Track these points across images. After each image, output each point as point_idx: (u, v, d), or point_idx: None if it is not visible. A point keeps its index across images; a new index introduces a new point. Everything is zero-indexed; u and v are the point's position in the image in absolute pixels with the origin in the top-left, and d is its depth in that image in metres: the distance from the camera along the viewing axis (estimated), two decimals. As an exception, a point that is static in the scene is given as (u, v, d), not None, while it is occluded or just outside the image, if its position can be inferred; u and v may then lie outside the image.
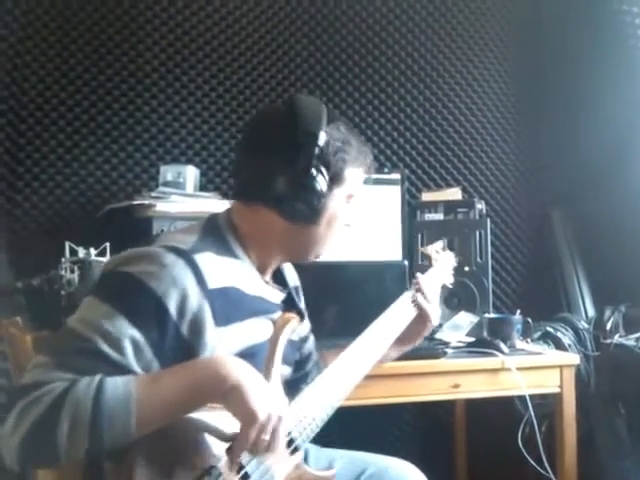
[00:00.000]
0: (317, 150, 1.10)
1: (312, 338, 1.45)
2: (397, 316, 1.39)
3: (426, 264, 1.61)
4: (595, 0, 2.51)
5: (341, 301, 2.03)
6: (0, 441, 0.89)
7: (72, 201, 2.21)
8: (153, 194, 1.97)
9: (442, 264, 1.60)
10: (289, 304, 1.26)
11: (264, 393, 0.95)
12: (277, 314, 1.19)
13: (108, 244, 1.75)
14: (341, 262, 2.13)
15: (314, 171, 1.10)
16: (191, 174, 2.12)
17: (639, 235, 2.31)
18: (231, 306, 1.06)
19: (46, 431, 0.86)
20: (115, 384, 0.89)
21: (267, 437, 0.94)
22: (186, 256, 1.01)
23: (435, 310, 1.45)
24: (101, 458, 0.91)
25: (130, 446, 0.90)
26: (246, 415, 0.93)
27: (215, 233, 1.14)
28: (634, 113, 2.35)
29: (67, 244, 1.75)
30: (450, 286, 1.66)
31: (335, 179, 1.14)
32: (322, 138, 1.11)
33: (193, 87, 2.34)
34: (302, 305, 1.36)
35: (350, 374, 1.23)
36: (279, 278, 1.28)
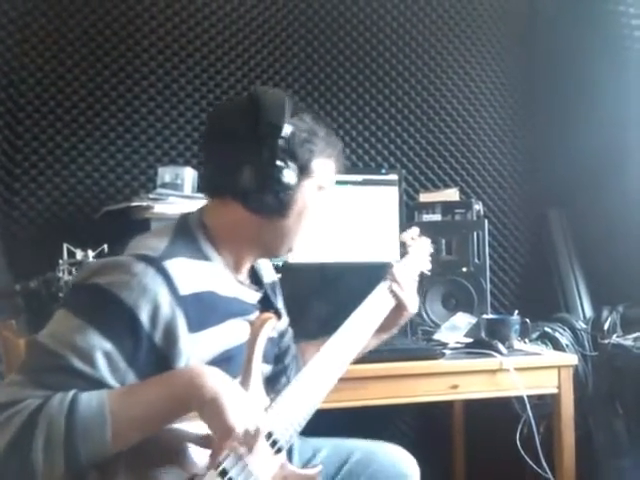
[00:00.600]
0: (282, 142, 1.10)
1: (290, 332, 1.44)
2: (375, 307, 1.37)
3: (402, 252, 1.60)
4: (591, 1, 2.52)
5: (338, 303, 2.02)
6: None
7: (70, 203, 2.20)
8: (151, 196, 1.97)
9: (417, 250, 1.59)
10: (266, 304, 1.25)
11: (241, 406, 0.94)
12: (254, 314, 1.18)
13: (106, 246, 1.75)
14: (338, 263, 2.13)
15: (280, 163, 1.10)
16: (189, 175, 2.11)
17: (637, 235, 2.31)
18: (206, 311, 1.05)
19: (21, 450, 0.85)
20: (89, 399, 0.88)
21: (243, 449, 0.94)
22: (156, 264, 0.99)
23: (412, 298, 1.44)
24: (81, 473, 0.89)
25: (112, 460, 0.89)
26: (222, 430, 0.92)
27: (186, 235, 1.12)
28: (630, 113, 2.35)
29: (65, 246, 1.75)
30: (428, 273, 1.63)
31: (303, 170, 1.14)
32: (286, 129, 1.10)
33: (191, 89, 2.34)
34: (279, 302, 1.35)
35: (330, 370, 1.21)
36: (254, 277, 1.27)
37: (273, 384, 1.14)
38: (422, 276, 1.59)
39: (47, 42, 2.21)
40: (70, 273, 1.69)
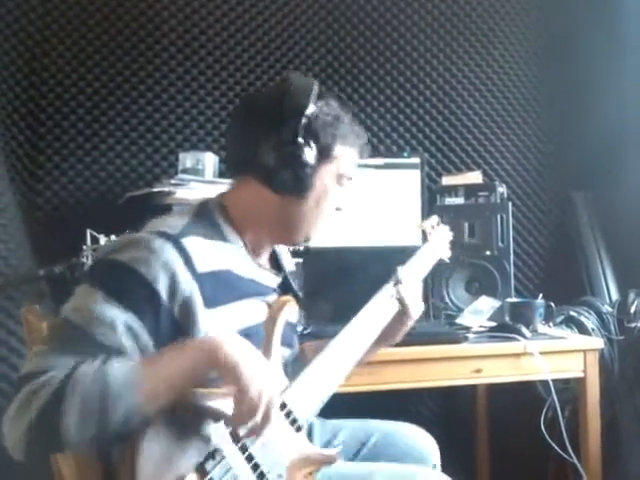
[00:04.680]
0: (304, 120, 1.11)
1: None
2: (378, 310, 1.32)
3: (423, 240, 1.61)
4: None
5: (360, 286, 2.02)
6: (3, 433, 0.89)
7: (92, 189, 2.22)
8: (172, 181, 1.98)
9: (437, 238, 1.59)
10: (285, 288, 1.26)
11: (260, 371, 0.96)
12: (271, 297, 1.19)
13: (128, 231, 1.76)
14: (361, 247, 2.13)
15: (300, 141, 1.11)
16: (210, 161, 2.12)
17: (664, 217, 2.28)
18: (222, 289, 1.07)
19: (52, 419, 0.86)
20: (117, 367, 0.90)
21: (259, 414, 0.95)
22: (174, 240, 1.02)
23: (416, 304, 1.37)
24: (107, 443, 0.92)
25: (134, 432, 0.90)
26: (239, 392, 0.94)
27: (206, 217, 1.14)
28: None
29: (88, 232, 1.76)
30: (447, 260, 1.64)
31: (324, 154, 1.15)
32: (309, 110, 1.12)
33: (211, 74, 2.34)
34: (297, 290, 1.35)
35: (338, 365, 1.21)
36: (275, 263, 1.28)
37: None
38: (442, 263, 1.59)
39: (68, 29, 2.22)
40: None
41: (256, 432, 0.98)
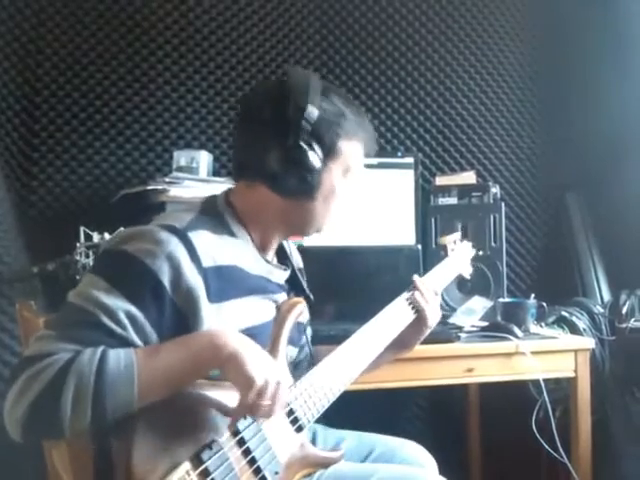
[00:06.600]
0: (306, 124, 1.09)
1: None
2: (393, 317, 1.35)
3: (442, 255, 1.61)
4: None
5: (355, 285, 2.03)
6: (4, 413, 0.90)
7: (86, 187, 2.22)
8: (167, 179, 1.97)
9: (457, 255, 1.60)
10: (293, 284, 1.26)
11: (261, 360, 0.96)
12: (280, 295, 1.20)
13: (122, 229, 1.76)
14: (354, 246, 2.13)
15: (305, 146, 1.10)
16: (204, 159, 2.12)
17: (656, 219, 2.29)
18: (227, 284, 1.07)
19: (50, 402, 0.87)
20: (117, 357, 0.91)
21: (267, 402, 0.95)
22: (180, 234, 1.02)
23: (433, 311, 1.40)
24: (104, 430, 0.92)
25: (131, 419, 0.91)
26: (244, 381, 0.94)
27: (212, 212, 1.15)
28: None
29: (82, 229, 1.76)
30: (468, 277, 1.65)
31: (329, 153, 1.14)
32: (312, 112, 1.10)
33: (206, 72, 2.34)
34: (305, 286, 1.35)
35: (347, 367, 1.22)
36: (283, 257, 1.28)
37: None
38: (460, 278, 1.60)
39: (63, 26, 2.21)
40: (87, 256, 1.71)
41: (266, 414, 0.98)
